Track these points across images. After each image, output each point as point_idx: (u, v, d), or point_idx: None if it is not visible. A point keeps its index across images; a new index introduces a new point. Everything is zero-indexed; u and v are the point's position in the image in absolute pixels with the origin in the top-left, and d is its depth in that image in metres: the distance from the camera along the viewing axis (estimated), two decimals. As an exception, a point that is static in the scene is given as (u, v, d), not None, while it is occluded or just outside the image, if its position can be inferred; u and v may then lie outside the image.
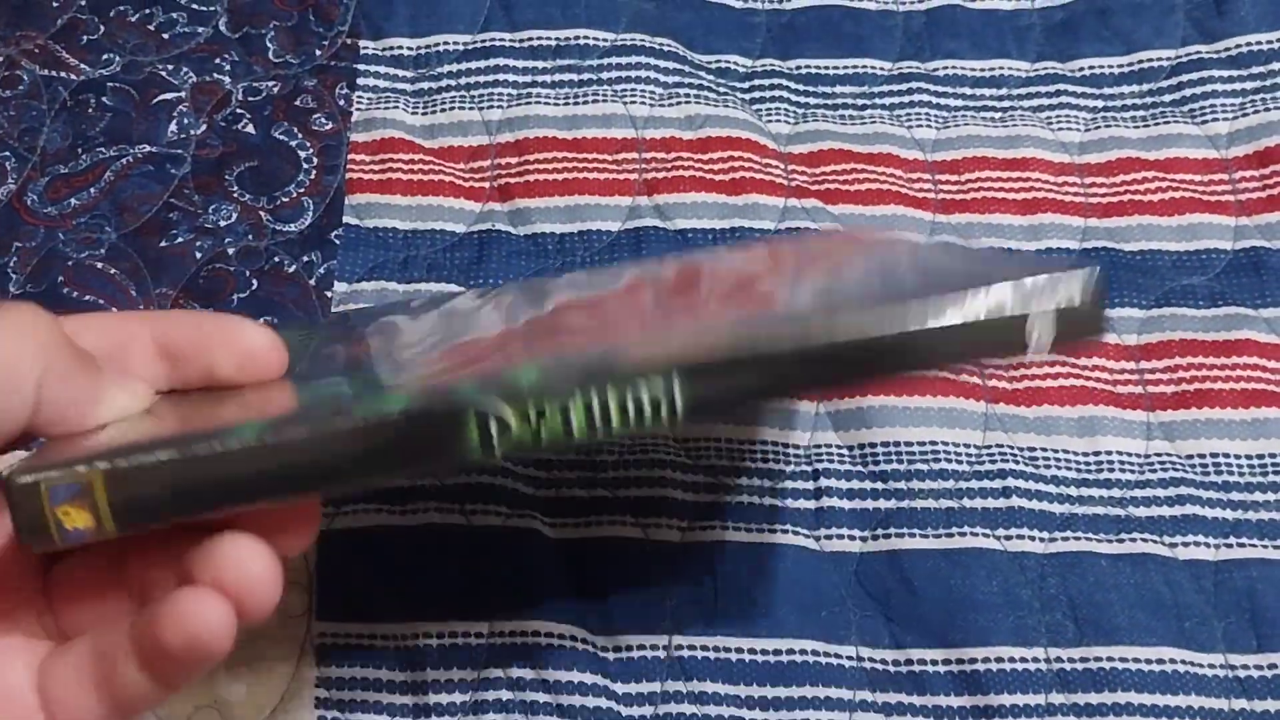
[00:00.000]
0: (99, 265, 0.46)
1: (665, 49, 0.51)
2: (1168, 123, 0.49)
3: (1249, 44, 0.50)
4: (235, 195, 0.48)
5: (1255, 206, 0.47)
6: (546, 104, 0.50)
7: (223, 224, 0.47)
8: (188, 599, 0.23)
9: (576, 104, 0.50)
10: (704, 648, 0.40)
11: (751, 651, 0.40)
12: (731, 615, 0.40)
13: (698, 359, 0.24)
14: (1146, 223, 0.47)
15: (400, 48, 0.52)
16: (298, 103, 0.50)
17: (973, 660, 0.39)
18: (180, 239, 0.47)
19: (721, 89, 0.51)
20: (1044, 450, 0.43)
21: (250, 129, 0.49)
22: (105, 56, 0.51)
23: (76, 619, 0.26)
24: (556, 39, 0.51)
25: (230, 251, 0.47)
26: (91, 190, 0.48)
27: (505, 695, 0.39)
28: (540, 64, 0.51)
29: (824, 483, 0.42)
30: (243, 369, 0.27)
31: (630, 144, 0.49)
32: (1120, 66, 0.50)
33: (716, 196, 0.48)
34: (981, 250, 0.45)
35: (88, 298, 0.46)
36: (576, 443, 0.24)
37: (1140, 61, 0.50)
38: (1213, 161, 0.48)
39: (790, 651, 0.40)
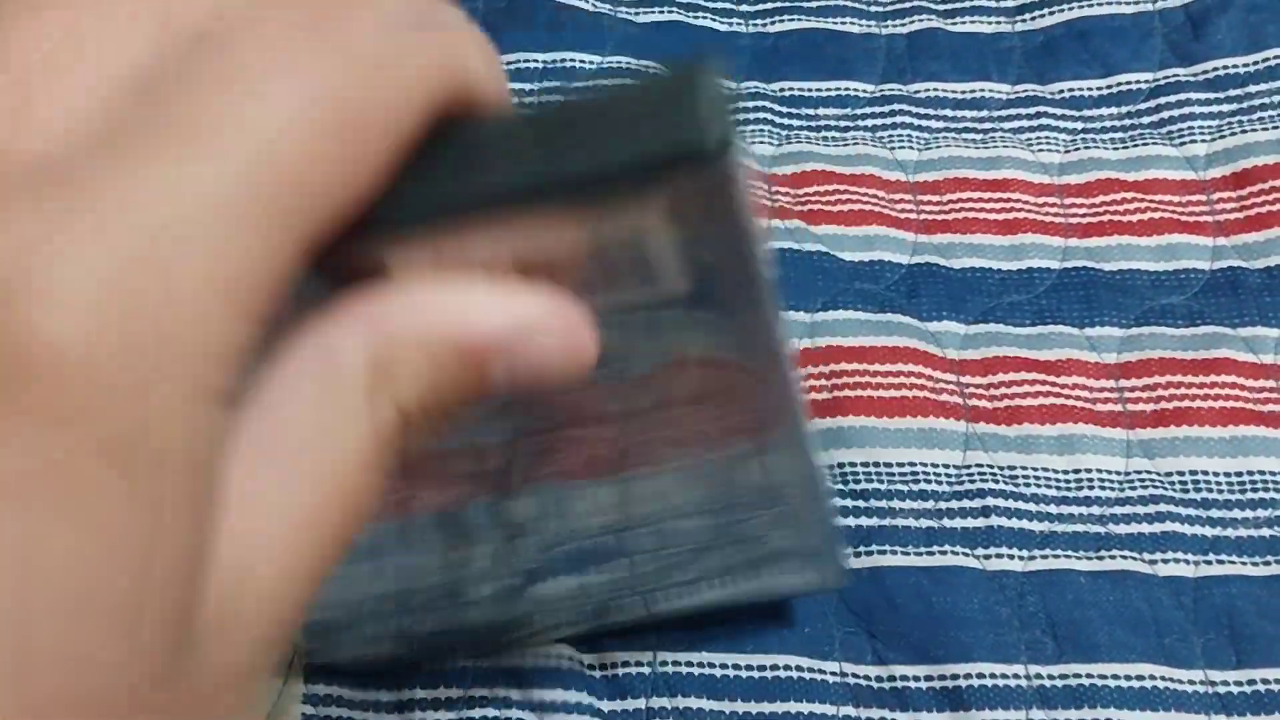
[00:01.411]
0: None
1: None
2: (1146, 144, 0.50)
3: (1225, 67, 0.51)
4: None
5: (1232, 227, 0.48)
6: (533, 126, 0.50)
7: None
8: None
9: (563, 126, 0.50)
10: (689, 664, 0.40)
11: (736, 667, 0.40)
12: (716, 631, 0.41)
13: None
14: (1126, 243, 0.48)
15: (389, 70, 0.52)
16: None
17: (954, 676, 0.40)
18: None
19: (706, 111, 0.51)
20: (1024, 469, 0.43)
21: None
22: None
23: None
24: (543, 61, 0.52)
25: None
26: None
27: (491, 713, 0.39)
28: (526, 86, 0.51)
29: (807, 501, 0.43)
30: None
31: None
32: (1099, 89, 0.51)
33: (701, 217, 0.48)
34: None
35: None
36: None
37: (1119, 84, 0.51)
38: (1191, 183, 0.49)
39: (775, 667, 0.40)
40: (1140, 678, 0.39)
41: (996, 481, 0.43)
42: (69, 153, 0.13)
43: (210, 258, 0.13)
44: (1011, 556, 0.42)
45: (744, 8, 0.54)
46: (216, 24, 0.15)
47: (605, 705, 0.40)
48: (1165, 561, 0.42)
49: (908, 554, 0.42)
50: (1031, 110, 0.51)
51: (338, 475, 0.16)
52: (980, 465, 0.43)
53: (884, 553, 0.42)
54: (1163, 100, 0.51)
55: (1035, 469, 0.43)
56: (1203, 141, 0.49)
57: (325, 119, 0.14)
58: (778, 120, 0.51)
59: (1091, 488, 0.43)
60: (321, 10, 0.15)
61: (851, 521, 0.42)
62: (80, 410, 0.12)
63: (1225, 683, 0.40)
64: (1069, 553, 0.42)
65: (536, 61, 0.52)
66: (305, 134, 0.14)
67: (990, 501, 0.42)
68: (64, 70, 0.14)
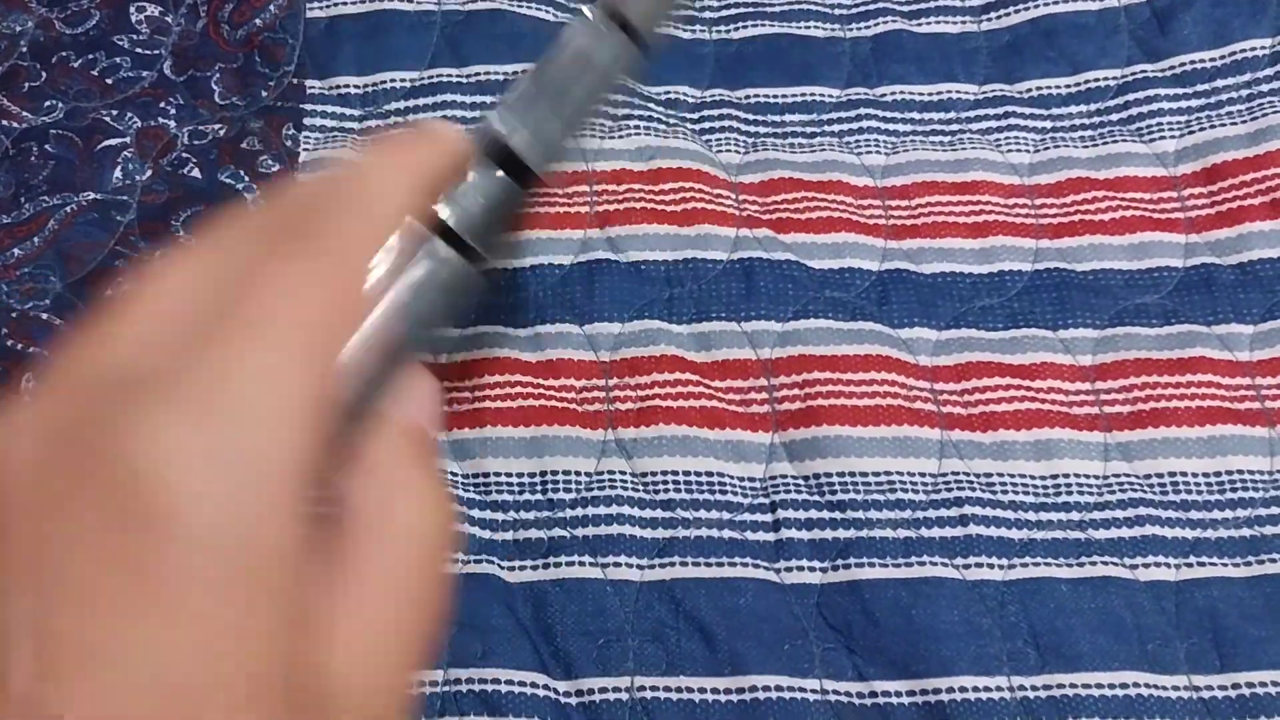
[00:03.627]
0: (44, 316, 0.46)
1: (614, 81, 0.51)
2: (1116, 142, 0.49)
3: (1192, 62, 0.50)
4: (182, 241, 0.47)
5: (1204, 223, 0.47)
6: (496, 140, 0.49)
7: (169, 270, 0.47)
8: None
9: (526, 139, 0.49)
10: (667, 688, 0.40)
11: (715, 691, 0.39)
12: (694, 653, 0.40)
13: None
14: (1098, 242, 0.47)
15: (347, 86, 0.51)
16: (244, 145, 0.49)
17: (936, 690, 0.39)
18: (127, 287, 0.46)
19: (671, 120, 0.51)
20: (1001, 475, 0.43)
21: (196, 173, 0.49)
22: (48, 103, 0.50)
23: None
24: (504, 73, 0.51)
25: (177, 298, 0.46)
26: (35, 240, 0.47)
27: (464, 744, 0.38)
28: (488, 99, 0.50)
29: (781, 514, 0.42)
30: None
31: (581, 177, 0.49)
32: (1067, 87, 0.51)
33: (669, 228, 0.47)
34: None
35: (32, 350, 0.45)
36: None
37: (1087, 82, 0.51)
38: (1161, 179, 0.48)
39: (754, 689, 0.39)
40: (1124, 685, 0.39)
41: (974, 489, 0.42)
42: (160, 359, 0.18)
43: (277, 430, 0.18)
44: (991, 565, 0.41)
45: (708, 14, 0.53)
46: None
47: (582, 731, 0.39)
48: (1147, 566, 0.41)
49: (885, 565, 0.41)
50: (999, 110, 0.50)
51: (409, 588, 0.20)
52: (957, 473, 0.43)
53: (861, 565, 0.41)
54: (1131, 97, 0.50)
55: (1012, 475, 0.43)
56: (1172, 137, 0.49)
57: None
58: (744, 128, 0.50)
59: (1070, 493, 0.42)
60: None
61: (828, 534, 0.42)
62: (200, 537, 0.16)
63: (1209, 687, 0.39)
64: (1049, 560, 0.41)
65: (498, 74, 0.51)
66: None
67: (968, 510, 0.42)
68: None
